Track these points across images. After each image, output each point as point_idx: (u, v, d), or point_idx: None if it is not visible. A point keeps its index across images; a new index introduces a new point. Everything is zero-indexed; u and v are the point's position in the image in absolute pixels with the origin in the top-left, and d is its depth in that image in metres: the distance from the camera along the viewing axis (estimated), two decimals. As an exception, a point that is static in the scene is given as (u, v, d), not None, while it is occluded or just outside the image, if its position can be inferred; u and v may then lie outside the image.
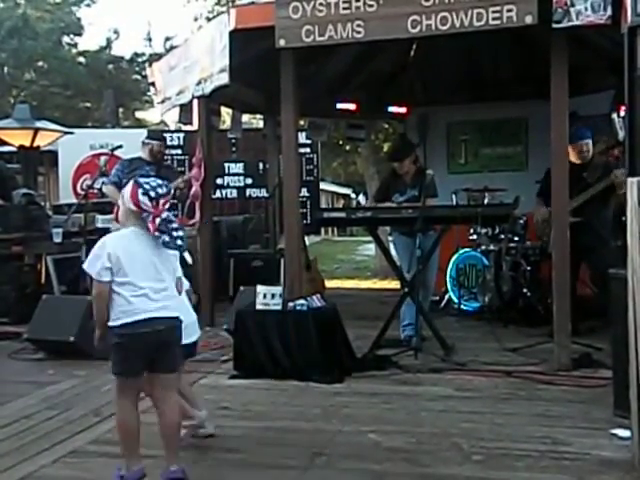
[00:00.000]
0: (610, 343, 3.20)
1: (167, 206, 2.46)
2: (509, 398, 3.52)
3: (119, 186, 6.12)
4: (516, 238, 5.86)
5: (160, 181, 2.53)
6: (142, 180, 2.49)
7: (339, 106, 7.40)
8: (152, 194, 2.42)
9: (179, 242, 2.43)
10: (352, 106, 7.43)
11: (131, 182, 2.50)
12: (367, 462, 2.69)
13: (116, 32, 19.70)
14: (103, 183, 6.32)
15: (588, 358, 4.08)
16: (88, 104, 19.19)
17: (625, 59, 3.09)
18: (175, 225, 2.43)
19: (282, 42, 4.18)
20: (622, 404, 2.89)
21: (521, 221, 5.88)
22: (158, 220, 2.40)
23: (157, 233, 2.40)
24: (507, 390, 3.67)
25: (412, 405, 3.44)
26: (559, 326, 4.03)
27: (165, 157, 6.66)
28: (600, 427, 2.98)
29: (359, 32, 4.02)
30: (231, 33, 4.34)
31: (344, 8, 4.03)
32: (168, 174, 6.41)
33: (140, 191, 2.42)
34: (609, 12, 3.63)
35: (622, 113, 5.26)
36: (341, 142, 14.20)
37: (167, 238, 2.41)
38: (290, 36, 4.15)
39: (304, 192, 8.82)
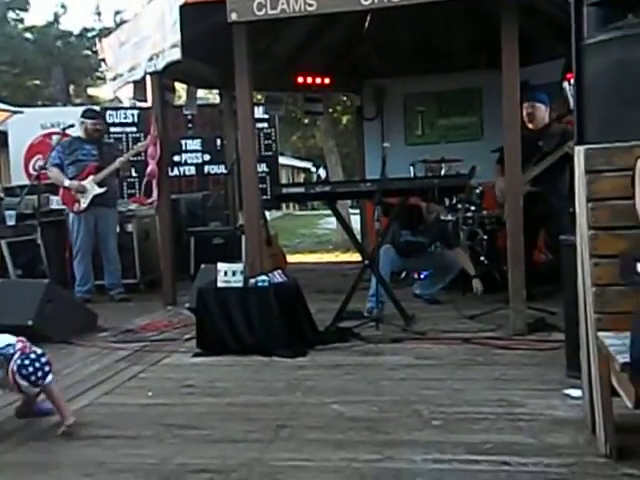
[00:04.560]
0: (563, 307, 3.31)
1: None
2: (467, 364, 3.62)
3: (62, 168, 6.02)
4: (473, 208, 5.95)
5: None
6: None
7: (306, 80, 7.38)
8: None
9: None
10: (309, 79, 7.42)
11: None
12: (330, 432, 2.74)
13: (63, 7, 19.24)
14: (43, 167, 6.18)
15: (542, 322, 4.21)
16: (37, 81, 18.62)
17: (572, 28, 3.13)
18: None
19: (234, 16, 4.12)
20: (574, 365, 2.99)
21: (477, 191, 5.97)
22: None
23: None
24: (465, 356, 3.77)
25: (374, 375, 3.51)
26: (514, 292, 4.15)
27: (104, 134, 6.49)
28: (554, 388, 3.09)
29: (311, 5, 3.99)
30: (181, 7, 4.26)
31: (296, -19, 3.99)
32: (111, 151, 6.33)
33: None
34: (557, -18, 3.67)
35: (572, 81, 5.35)
36: (299, 116, 14.13)
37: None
38: (242, 10, 4.10)
39: (263, 167, 8.77)
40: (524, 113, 4.97)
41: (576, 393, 2.86)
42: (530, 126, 5.03)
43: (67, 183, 5.91)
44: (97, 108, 8.14)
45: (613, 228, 2.34)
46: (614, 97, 2.90)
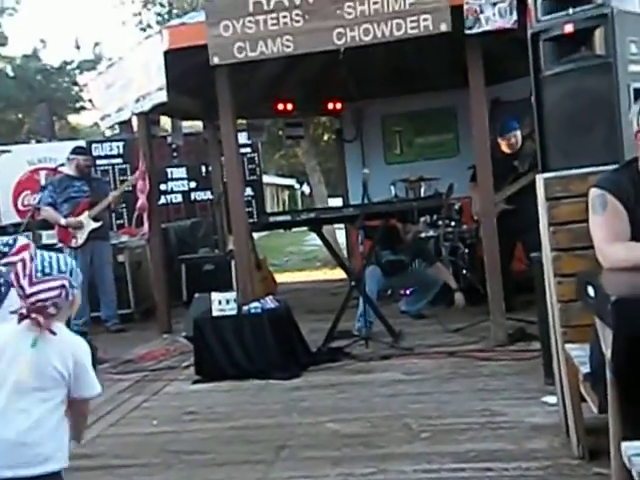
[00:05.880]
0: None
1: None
2: (452, 377, 3.84)
3: (55, 206, 6.19)
4: (453, 223, 6.20)
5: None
6: None
7: (286, 107, 7.61)
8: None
9: None
10: (289, 106, 7.66)
11: None
12: (327, 450, 2.94)
13: (43, 41, 19.40)
14: (36, 207, 6.34)
15: (522, 332, 4.44)
16: (20, 115, 18.79)
17: (530, 62, 3.39)
18: None
19: (216, 59, 4.36)
20: (551, 373, 3.22)
21: (456, 207, 6.23)
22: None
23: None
24: (450, 370, 3.98)
25: (365, 392, 3.71)
26: (493, 305, 4.39)
27: (92, 169, 6.66)
28: (533, 396, 3.31)
29: (288, 46, 4.24)
30: (166, 53, 4.50)
31: (272, 24, 4.24)
32: (100, 185, 6.54)
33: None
34: (515, 17, 3.96)
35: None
36: (281, 134, 14.38)
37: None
38: (223, 53, 4.34)
39: (249, 191, 9.01)
40: (508, 142, 5.27)
41: (553, 400, 3.08)
42: (509, 151, 5.31)
43: (64, 222, 6.09)
44: (83, 143, 8.34)
45: (573, 249, 2.57)
46: (570, 125, 3.17)
